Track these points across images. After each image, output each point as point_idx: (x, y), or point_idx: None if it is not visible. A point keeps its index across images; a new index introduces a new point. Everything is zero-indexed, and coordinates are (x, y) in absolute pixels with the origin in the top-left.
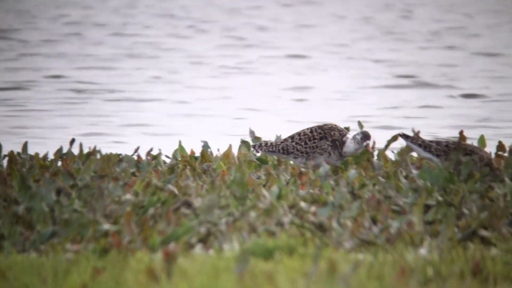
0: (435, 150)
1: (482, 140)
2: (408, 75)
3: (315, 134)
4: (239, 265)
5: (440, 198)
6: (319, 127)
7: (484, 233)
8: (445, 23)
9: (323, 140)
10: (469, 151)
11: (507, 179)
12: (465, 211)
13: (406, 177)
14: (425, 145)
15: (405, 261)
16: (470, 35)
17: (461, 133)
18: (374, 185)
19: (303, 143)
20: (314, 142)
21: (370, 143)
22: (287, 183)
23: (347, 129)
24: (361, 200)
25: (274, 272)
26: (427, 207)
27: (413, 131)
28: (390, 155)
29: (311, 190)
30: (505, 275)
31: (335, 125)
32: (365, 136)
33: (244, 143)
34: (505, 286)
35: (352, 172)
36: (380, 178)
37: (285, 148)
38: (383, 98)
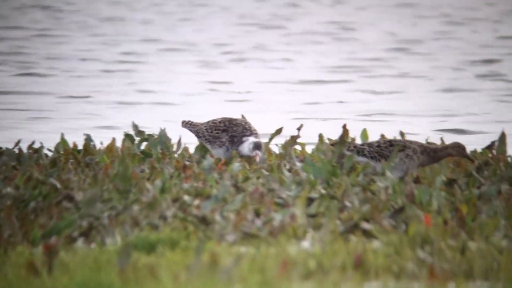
0: (369, 153)
1: (364, 134)
2: (308, 73)
3: (221, 125)
4: (121, 258)
5: (323, 191)
6: (229, 120)
7: (366, 225)
8: (331, 17)
9: (224, 133)
10: (402, 146)
11: (388, 172)
12: (348, 204)
13: (289, 170)
14: (358, 150)
15: (287, 254)
16: (355, 28)
17: (344, 126)
18: (257, 178)
19: (209, 131)
20: (217, 133)
21: (260, 153)
22: (171, 176)
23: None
24: (244, 193)
25: (156, 265)
26: (310, 200)
27: (298, 129)
28: (274, 148)
29: (195, 184)
30: (387, 268)
31: (245, 122)
32: (256, 146)
33: (127, 136)
34: (387, 278)
35: (236, 165)
36: (263, 171)
37: (199, 131)
38: (274, 93)
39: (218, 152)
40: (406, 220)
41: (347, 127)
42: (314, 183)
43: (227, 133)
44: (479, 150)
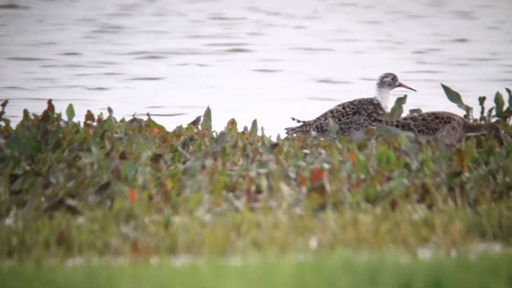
0: (415, 127)
1: (70, 109)
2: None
3: (348, 110)
4: None
5: (27, 168)
6: (351, 103)
7: (70, 202)
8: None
9: (356, 115)
10: (447, 118)
11: (93, 148)
12: (53, 180)
13: None
14: (403, 124)
15: None
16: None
17: (49, 102)
18: None
19: (337, 120)
20: (348, 118)
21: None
22: None
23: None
24: None
25: None
26: (14, 177)
27: (2, 105)
28: None
29: None
30: (90, 243)
31: (363, 99)
32: (393, 78)
33: None
34: (90, 254)
35: None
36: None
37: (319, 126)
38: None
39: (354, 136)
40: (111, 195)
41: (52, 103)
42: (18, 159)
43: (359, 114)
44: (184, 126)
